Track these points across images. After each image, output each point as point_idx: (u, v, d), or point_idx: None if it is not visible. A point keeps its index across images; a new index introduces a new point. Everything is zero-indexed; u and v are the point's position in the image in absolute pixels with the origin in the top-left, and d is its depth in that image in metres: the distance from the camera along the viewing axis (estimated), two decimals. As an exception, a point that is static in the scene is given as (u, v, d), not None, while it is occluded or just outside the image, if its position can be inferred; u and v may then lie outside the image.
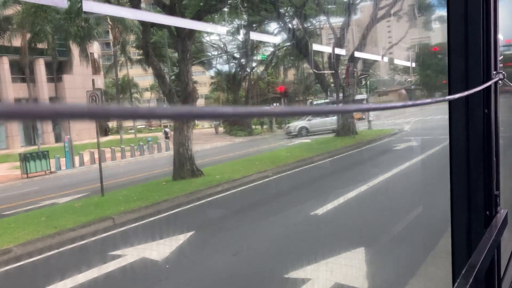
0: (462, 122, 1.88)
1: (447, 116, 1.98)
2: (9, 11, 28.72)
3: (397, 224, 7.88)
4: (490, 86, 1.77)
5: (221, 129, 42.29)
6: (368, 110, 0.84)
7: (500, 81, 1.86)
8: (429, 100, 1.12)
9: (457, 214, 1.92)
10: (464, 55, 1.82)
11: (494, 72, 1.83)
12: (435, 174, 11.20)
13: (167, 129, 32.45)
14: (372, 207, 9.51)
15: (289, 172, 14.79)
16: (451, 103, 1.89)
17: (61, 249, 8.50)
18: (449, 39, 1.86)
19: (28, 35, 30.33)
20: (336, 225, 8.42)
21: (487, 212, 1.85)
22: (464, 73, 1.83)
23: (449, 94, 1.80)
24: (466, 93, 1.51)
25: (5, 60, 33.86)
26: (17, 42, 31.04)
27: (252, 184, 13.19)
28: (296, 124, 29.30)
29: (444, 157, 2.19)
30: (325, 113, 0.77)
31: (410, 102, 1.06)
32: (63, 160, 22.10)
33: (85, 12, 18.91)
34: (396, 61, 40.57)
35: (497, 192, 1.88)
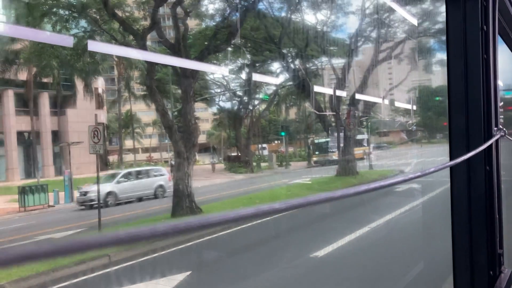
0: (463, 179, 1.85)
1: (448, 158, 1.94)
2: (17, 46, 29.32)
3: (398, 278, 7.69)
4: (491, 144, 1.76)
5: (221, 166, 42.24)
6: (368, 191, 0.82)
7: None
8: (432, 169, 1.11)
9: (459, 274, 1.86)
10: (465, 112, 1.83)
11: (495, 129, 1.83)
12: (436, 219, 11.06)
13: (173, 162, 32.33)
14: (373, 251, 9.34)
15: (289, 212, 14.62)
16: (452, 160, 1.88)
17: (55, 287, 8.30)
18: (450, 97, 1.87)
19: (34, 69, 30.85)
20: (336, 268, 8.25)
21: (491, 272, 1.79)
22: (465, 131, 1.83)
23: (450, 151, 1.79)
24: (467, 155, 1.50)
25: (10, 93, 34.30)
26: (23, 75, 31.53)
27: (251, 223, 13.02)
28: (100, 189, 18.56)
29: (445, 201, 2.16)
30: (327, 201, 0.75)
31: (412, 175, 1.06)
32: (62, 194, 21.95)
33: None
34: (397, 103, 40.95)
35: (501, 250, 1.83)
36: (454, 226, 1.90)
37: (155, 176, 22.33)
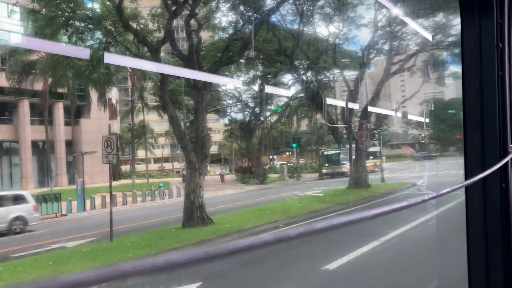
0: (478, 197, 1.84)
1: (461, 171, 1.94)
2: (34, 57, 29.86)
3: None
4: (507, 161, 1.75)
5: (232, 176, 42.25)
6: (379, 215, 0.86)
7: None
8: (448, 190, 1.12)
9: None
10: (480, 129, 1.83)
11: (511, 145, 1.82)
12: (451, 234, 10.92)
13: (185, 172, 32.11)
14: (385, 265, 9.23)
15: (300, 223, 14.58)
16: (467, 179, 1.88)
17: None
18: (465, 113, 1.87)
19: (50, 80, 31.35)
20: (347, 282, 8.17)
21: None
22: (480, 148, 1.83)
23: (466, 169, 1.78)
24: (483, 174, 1.49)
25: (26, 103, 34.88)
26: (38, 86, 32.06)
27: (262, 235, 12.99)
28: None
29: (459, 214, 2.14)
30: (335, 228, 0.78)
31: (427, 197, 1.07)
32: (74, 203, 22.15)
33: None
34: (410, 115, 40.68)
35: None
36: (470, 244, 1.88)
37: (13, 204, 16.97)
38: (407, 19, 19.85)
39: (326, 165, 38.41)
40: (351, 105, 25.53)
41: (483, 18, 1.86)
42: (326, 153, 40.38)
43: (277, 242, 0.62)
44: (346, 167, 35.34)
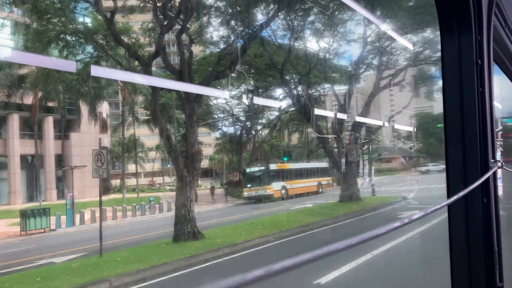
0: (461, 214, 1.86)
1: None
2: (24, 70, 29.76)
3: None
4: (489, 176, 1.78)
5: (223, 190, 42.05)
6: (374, 237, 0.90)
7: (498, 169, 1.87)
8: (432, 209, 1.15)
9: None
10: (461, 146, 1.86)
11: (492, 161, 1.85)
12: (437, 247, 10.98)
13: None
14: (376, 279, 9.24)
15: (291, 237, 14.55)
16: (449, 196, 1.88)
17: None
18: (446, 130, 1.90)
19: (40, 94, 31.23)
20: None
21: None
22: (462, 164, 1.85)
23: (448, 186, 1.81)
24: (465, 191, 1.52)
25: (15, 117, 34.62)
26: (28, 100, 31.89)
27: (254, 249, 12.94)
28: None
29: (443, 230, 2.15)
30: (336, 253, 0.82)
31: (415, 216, 1.10)
32: (64, 218, 21.88)
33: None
34: (399, 129, 40.86)
35: (501, 283, 1.82)
36: (453, 260, 1.90)
37: None
38: (394, 34, 20.20)
39: (249, 185, 31.05)
40: (340, 118, 25.73)
41: (462, 35, 1.90)
42: (248, 170, 32.96)
43: (268, 276, 0.64)
44: (272, 188, 29.87)
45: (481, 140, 1.83)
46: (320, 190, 34.23)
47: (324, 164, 37.33)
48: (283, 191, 30.79)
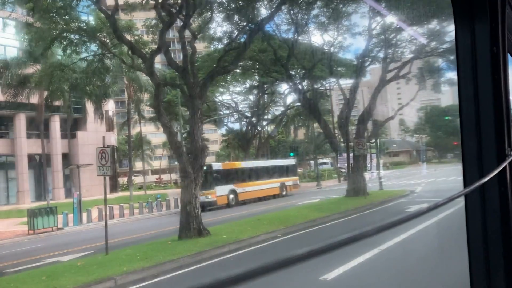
0: (477, 203, 1.85)
1: (460, 178, 1.95)
2: (29, 70, 29.84)
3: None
4: (505, 165, 1.77)
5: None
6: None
7: None
8: (446, 199, 1.12)
9: None
10: (477, 135, 1.84)
11: (509, 149, 1.83)
12: (450, 240, 10.82)
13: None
14: (385, 274, 9.10)
15: (298, 233, 14.44)
16: (466, 186, 1.86)
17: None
18: (461, 119, 1.89)
19: (46, 93, 31.31)
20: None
21: None
22: (478, 153, 1.84)
23: (464, 175, 1.83)
24: (482, 181, 1.50)
25: (22, 117, 34.78)
26: (34, 99, 32.00)
27: (260, 245, 12.84)
28: None
29: (458, 221, 2.09)
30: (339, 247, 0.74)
31: (425, 209, 1.08)
32: (71, 216, 21.96)
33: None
34: (407, 122, 40.56)
35: None
36: (471, 250, 1.89)
37: None
38: (402, 26, 19.93)
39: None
40: (347, 112, 25.52)
41: (476, 23, 1.88)
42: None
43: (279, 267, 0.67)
44: (214, 193, 25.11)
45: (497, 129, 1.82)
46: (284, 192, 30.42)
47: (290, 161, 33.57)
48: (231, 196, 26.32)
